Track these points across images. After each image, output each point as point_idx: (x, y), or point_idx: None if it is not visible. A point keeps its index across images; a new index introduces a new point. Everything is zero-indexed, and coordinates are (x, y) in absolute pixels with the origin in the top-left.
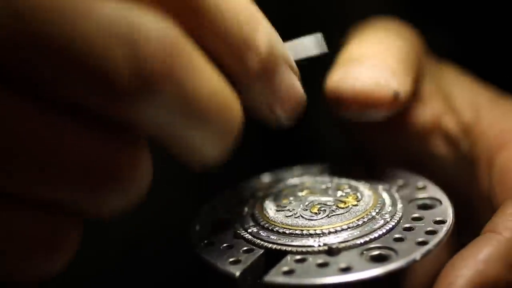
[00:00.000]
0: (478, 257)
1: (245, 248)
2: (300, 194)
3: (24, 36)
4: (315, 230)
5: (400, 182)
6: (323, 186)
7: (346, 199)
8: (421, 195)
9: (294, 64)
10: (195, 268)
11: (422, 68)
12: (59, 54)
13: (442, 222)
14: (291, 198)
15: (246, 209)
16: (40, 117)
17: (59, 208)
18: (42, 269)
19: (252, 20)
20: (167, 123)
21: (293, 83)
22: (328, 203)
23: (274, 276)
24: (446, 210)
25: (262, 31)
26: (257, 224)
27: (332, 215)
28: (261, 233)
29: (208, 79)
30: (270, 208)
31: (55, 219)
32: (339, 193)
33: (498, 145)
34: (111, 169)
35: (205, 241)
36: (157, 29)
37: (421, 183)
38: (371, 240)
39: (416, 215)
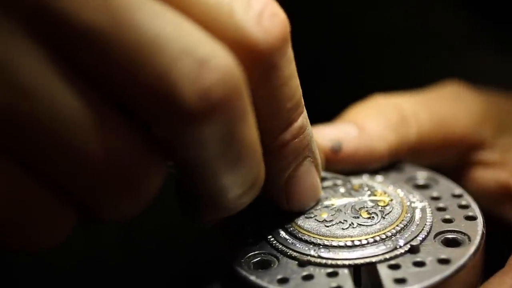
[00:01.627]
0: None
1: (328, 271)
2: (326, 203)
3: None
4: (384, 233)
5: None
6: (342, 190)
7: (379, 197)
8: (410, 174)
9: (318, 160)
10: None
11: (476, 133)
12: (130, 59)
13: (458, 196)
14: (325, 209)
15: (277, 231)
16: (97, 107)
17: (70, 196)
18: (36, 241)
19: (299, 106)
20: (207, 155)
21: (313, 176)
22: (368, 205)
23: None
24: (443, 183)
25: (301, 119)
26: (314, 244)
27: (386, 215)
28: (330, 253)
29: (251, 128)
30: (310, 224)
31: (61, 204)
32: (365, 192)
33: None
34: (138, 178)
35: (278, 278)
36: (227, 62)
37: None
38: (431, 228)
39: (435, 194)
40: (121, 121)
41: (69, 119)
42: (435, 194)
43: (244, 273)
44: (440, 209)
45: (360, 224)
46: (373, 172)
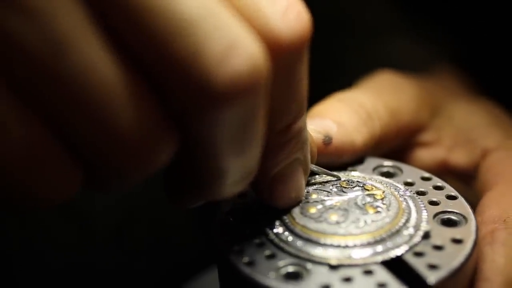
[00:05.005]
0: None
1: (363, 271)
2: (327, 204)
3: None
4: (397, 224)
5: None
6: (334, 189)
7: (373, 191)
8: (380, 163)
9: (308, 164)
10: None
11: (419, 118)
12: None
13: (428, 179)
14: (331, 211)
15: (289, 239)
16: (125, 73)
17: (80, 156)
18: (38, 196)
19: (302, 109)
20: (220, 137)
21: (299, 177)
22: (368, 200)
23: (432, 274)
24: (408, 168)
25: (300, 122)
26: (337, 246)
27: (390, 208)
28: (357, 253)
29: (263, 119)
30: (323, 227)
31: (72, 162)
32: (356, 188)
33: (489, 186)
34: (151, 149)
35: (321, 286)
36: (256, 48)
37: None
38: (428, 211)
39: (409, 180)
40: (145, 91)
41: (97, 79)
42: (409, 179)
43: (282, 287)
44: (420, 193)
45: (373, 220)
46: (342, 167)
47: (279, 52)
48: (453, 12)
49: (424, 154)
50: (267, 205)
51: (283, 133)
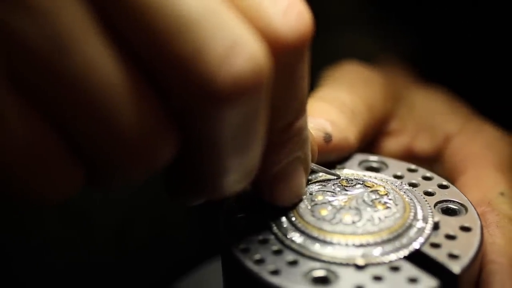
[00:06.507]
0: None
1: (390, 267)
2: (335, 204)
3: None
4: (409, 218)
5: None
6: (337, 188)
7: (374, 187)
8: (364, 158)
9: (308, 162)
10: None
11: (386, 109)
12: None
13: (415, 170)
14: (343, 211)
15: (308, 243)
16: (128, 72)
17: (83, 154)
18: (41, 194)
19: (303, 108)
20: (222, 136)
21: (299, 176)
22: (374, 197)
23: (455, 264)
24: (392, 162)
25: (301, 120)
26: (359, 246)
27: (397, 203)
28: (380, 250)
29: (265, 117)
30: (340, 229)
31: (74, 160)
32: (357, 185)
33: (460, 171)
34: (153, 148)
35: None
36: (259, 49)
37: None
38: (430, 202)
39: (398, 173)
40: (147, 89)
41: (99, 77)
42: (398, 173)
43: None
44: (412, 185)
45: (386, 216)
46: (331, 165)
47: (280, 51)
48: (409, 7)
49: (390, 143)
50: (268, 205)
51: (284, 131)
